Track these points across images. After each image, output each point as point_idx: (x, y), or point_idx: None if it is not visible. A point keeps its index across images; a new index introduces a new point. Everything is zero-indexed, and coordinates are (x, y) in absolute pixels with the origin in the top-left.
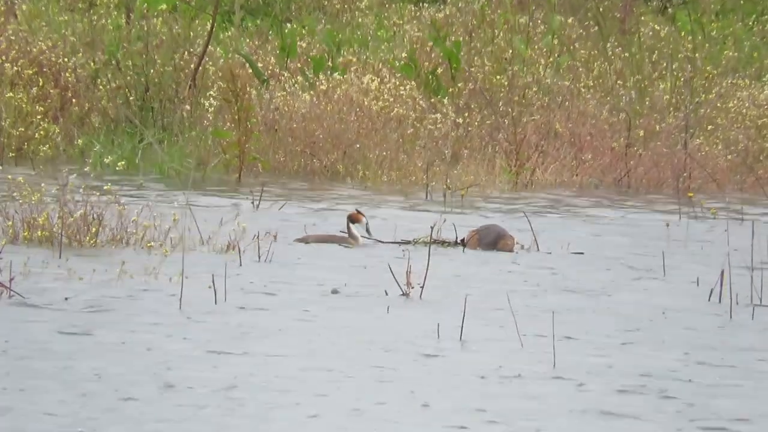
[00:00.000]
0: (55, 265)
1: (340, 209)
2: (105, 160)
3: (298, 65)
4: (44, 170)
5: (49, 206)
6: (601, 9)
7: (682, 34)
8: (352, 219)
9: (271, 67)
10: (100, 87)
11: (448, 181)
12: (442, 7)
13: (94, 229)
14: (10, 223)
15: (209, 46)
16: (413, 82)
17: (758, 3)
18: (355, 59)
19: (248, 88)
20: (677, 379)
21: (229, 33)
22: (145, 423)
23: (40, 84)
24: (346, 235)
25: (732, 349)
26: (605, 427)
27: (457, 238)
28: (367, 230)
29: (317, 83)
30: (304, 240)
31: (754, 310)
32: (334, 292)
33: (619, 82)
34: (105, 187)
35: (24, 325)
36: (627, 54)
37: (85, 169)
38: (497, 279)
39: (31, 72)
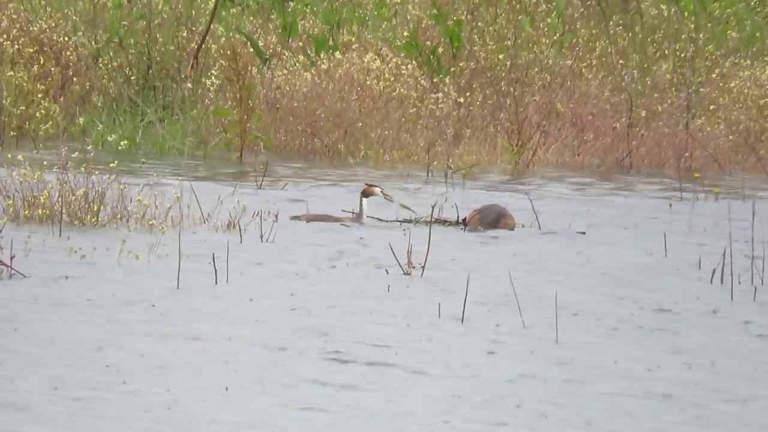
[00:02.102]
0: (56, 243)
1: (341, 188)
2: (106, 138)
3: (300, 44)
4: (45, 149)
5: (50, 185)
6: None
7: (685, 14)
8: (365, 193)
9: (272, 46)
10: (102, 66)
11: (450, 160)
12: None
13: (95, 208)
14: (11, 201)
15: (211, 25)
16: (415, 62)
17: None
18: (354, 38)
19: (250, 67)
20: (679, 363)
21: (232, 11)
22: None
23: (41, 62)
24: (349, 214)
25: (733, 329)
26: (607, 405)
27: (458, 217)
28: (386, 196)
29: (319, 62)
30: (300, 218)
31: (756, 290)
32: (333, 267)
33: (621, 61)
34: (111, 165)
35: (24, 303)
36: (629, 34)
37: (87, 148)
38: (498, 258)
39: (32, 50)
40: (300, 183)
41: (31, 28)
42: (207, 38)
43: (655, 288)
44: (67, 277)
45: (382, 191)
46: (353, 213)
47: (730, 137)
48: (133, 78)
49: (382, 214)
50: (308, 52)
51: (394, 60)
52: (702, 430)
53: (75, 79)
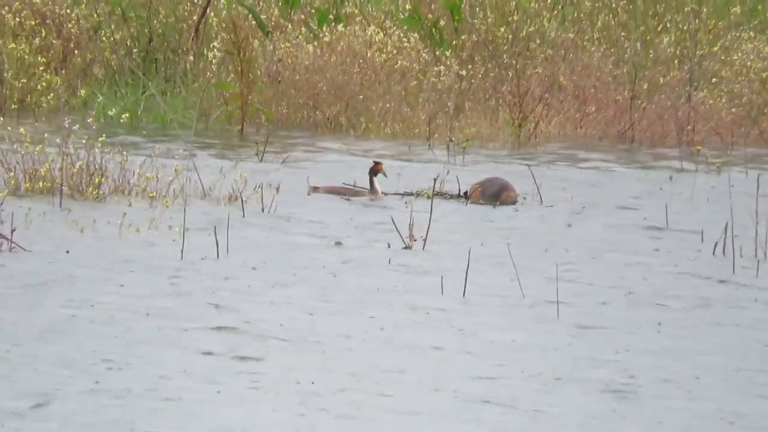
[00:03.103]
0: (57, 216)
1: (342, 161)
2: (108, 111)
3: (302, 17)
4: (46, 122)
5: (51, 157)
6: None
7: None
8: (375, 171)
9: (274, 19)
10: (104, 38)
11: (451, 133)
12: None
13: (96, 180)
14: (12, 174)
15: None
16: (417, 35)
17: None
18: (357, 11)
19: (251, 40)
20: (682, 326)
21: None
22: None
23: (43, 35)
24: (356, 189)
25: (735, 301)
26: (609, 375)
27: (460, 190)
28: (384, 175)
29: (321, 35)
30: (319, 190)
31: (759, 264)
32: (338, 244)
33: (623, 34)
34: (109, 138)
35: (25, 277)
36: (631, 6)
37: (88, 121)
38: (500, 231)
39: (33, 23)
40: (301, 155)
41: (33, 1)
42: (208, 11)
43: (658, 260)
44: (68, 251)
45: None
46: (360, 188)
47: (733, 110)
48: (135, 51)
49: (384, 188)
50: (310, 24)
51: (397, 33)
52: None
53: (76, 51)
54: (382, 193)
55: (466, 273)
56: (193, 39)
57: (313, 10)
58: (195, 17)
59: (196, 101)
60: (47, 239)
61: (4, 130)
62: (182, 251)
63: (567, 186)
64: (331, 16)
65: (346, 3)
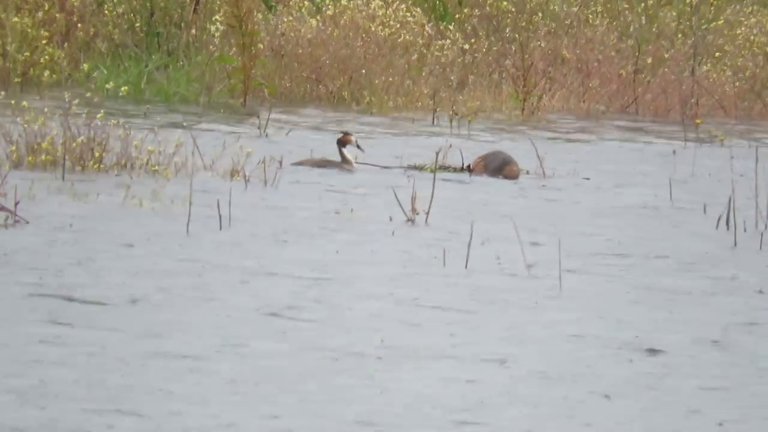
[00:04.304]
0: (60, 189)
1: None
2: (110, 85)
3: None
4: (49, 95)
5: (53, 131)
6: None
7: None
8: (342, 142)
9: None
10: (106, 12)
11: (455, 107)
12: None
13: (98, 154)
14: (14, 147)
15: None
16: (418, 9)
17: None
18: None
19: (254, 13)
20: (684, 293)
21: None
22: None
23: (46, 8)
24: (331, 161)
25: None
26: (608, 350)
27: (463, 164)
28: (358, 146)
29: (324, 9)
30: (301, 164)
31: (762, 236)
32: (337, 213)
33: (626, 7)
34: (109, 112)
35: (29, 250)
36: None
37: (89, 95)
38: (503, 205)
39: None
40: (304, 129)
41: None
42: None
43: (660, 235)
44: (71, 225)
45: (356, 142)
46: (334, 160)
47: (736, 84)
48: (137, 25)
49: (387, 162)
50: None
51: (402, 6)
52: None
53: (79, 25)
54: (355, 163)
55: (469, 245)
56: (194, 11)
57: None
58: None
59: (199, 75)
60: (51, 213)
61: (6, 104)
62: (188, 224)
63: (570, 159)
64: None
65: None
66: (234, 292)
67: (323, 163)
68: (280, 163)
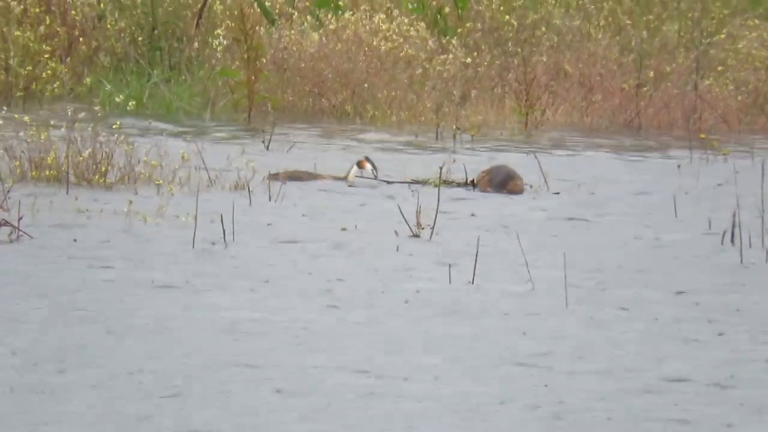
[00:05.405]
0: (64, 204)
1: (348, 148)
2: (113, 99)
3: (306, 4)
4: (52, 110)
5: (57, 145)
6: None
7: None
8: (359, 165)
9: (278, 6)
10: (108, 26)
11: (458, 122)
12: None
13: (102, 168)
14: (18, 162)
15: None
16: (423, 24)
17: None
18: None
19: (258, 28)
20: (690, 319)
21: None
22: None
23: (48, 22)
24: (330, 175)
25: (744, 291)
26: (614, 360)
27: (467, 178)
28: (372, 171)
29: (326, 22)
30: (279, 176)
31: None
32: (344, 229)
33: (628, 22)
34: (114, 126)
35: (32, 265)
36: None
37: (94, 108)
38: (507, 220)
39: (38, 10)
40: (307, 143)
41: None
42: None
43: (666, 250)
44: (75, 240)
45: (372, 170)
46: (324, 174)
47: (739, 98)
48: (140, 39)
49: (391, 176)
50: (316, 12)
51: (405, 21)
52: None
53: (81, 39)
54: (354, 180)
55: (475, 261)
56: (196, 26)
57: None
58: (199, 5)
59: (202, 89)
60: (55, 228)
61: (9, 118)
62: (194, 239)
63: (574, 174)
64: (333, 5)
65: None
66: (239, 308)
67: (301, 175)
68: (283, 181)
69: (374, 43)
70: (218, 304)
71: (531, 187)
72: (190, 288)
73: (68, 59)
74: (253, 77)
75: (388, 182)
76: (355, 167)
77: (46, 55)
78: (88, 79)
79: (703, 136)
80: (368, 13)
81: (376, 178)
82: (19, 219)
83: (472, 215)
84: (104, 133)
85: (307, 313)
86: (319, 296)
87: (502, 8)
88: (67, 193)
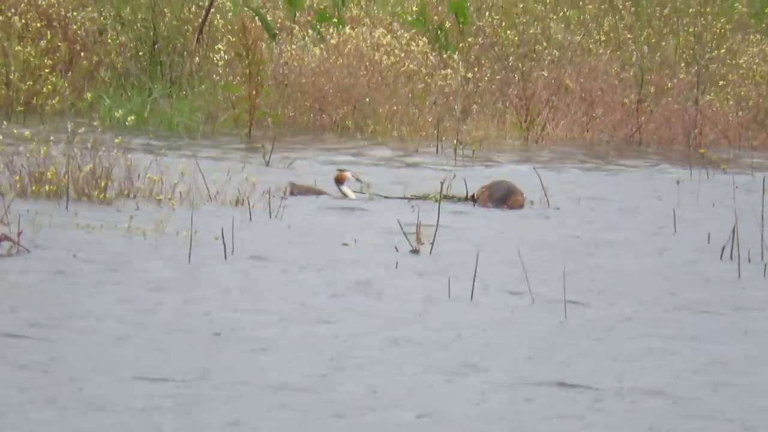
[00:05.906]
0: (63, 219)
1: (350, 164)
2: (114, 114)
3: (308, 18)
4: (52, 125)
5: (57, 160)
6: None
7: None
8: (339, 180)
9: (279, 21)
10: (109, 41)
11: (459, 136)
12: None
13: (102, 183)
14: (18, 177)
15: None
16: (425, 38)
17: None
18: (363, 13)
19: (259, 42)
20: (688, 338)
21: None
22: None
23: (49, 37)
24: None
25: (740, 306)
26: (616, 375)
27: (467, 194)
28: (357, 179)
29: (327, 37)
30: (292, 188)
31: (766, 267)
32: (345, 244)
33: (629, 36)
34: (116, 141)
35: (32, 280)
36: (637, 8)
37: (94, 123)
38: (507, 235)
39: (39, 25)
40: (308, 159)
41: (38, 2)
42: (212, 13)
43: (665, 264)
44: (75, 255)
45: (352, 174)
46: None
47: (740, 113)
48: (140, 53)
49: (391, 192)
50: (316, 26)
51: (406, 35)
52: None
53: (82, 54)
54: (352, 194)
55: (474, 276)
56: (197, 41)
57: (315, 11)
58: (200, 19)
59: (203, 104)
60: (54, 242)
61: (9, 133)
62: (190, 254)
63: (574, 189)
64: (335, 20)
65: (351, 5)
66: (236, 328)
67: (307, 190)
68: (285, 193)
69: (375, 57)
70: (210, 311)
71: (532, 202)
72: (183, 298)
73: (69, 74)
74: (254, 92)
75: (389, 198)
76: (344, 186)
77: (47, 70)
78: (88, 94)
79: (703, 151)
80: (369, 28)
81: (360, 181)
82: (19, 233)
83: (472, 230)
84: (104, 149)
85: (302, 326)
86: (315, 312)
87: (503, 24)
88: (66, 208)
